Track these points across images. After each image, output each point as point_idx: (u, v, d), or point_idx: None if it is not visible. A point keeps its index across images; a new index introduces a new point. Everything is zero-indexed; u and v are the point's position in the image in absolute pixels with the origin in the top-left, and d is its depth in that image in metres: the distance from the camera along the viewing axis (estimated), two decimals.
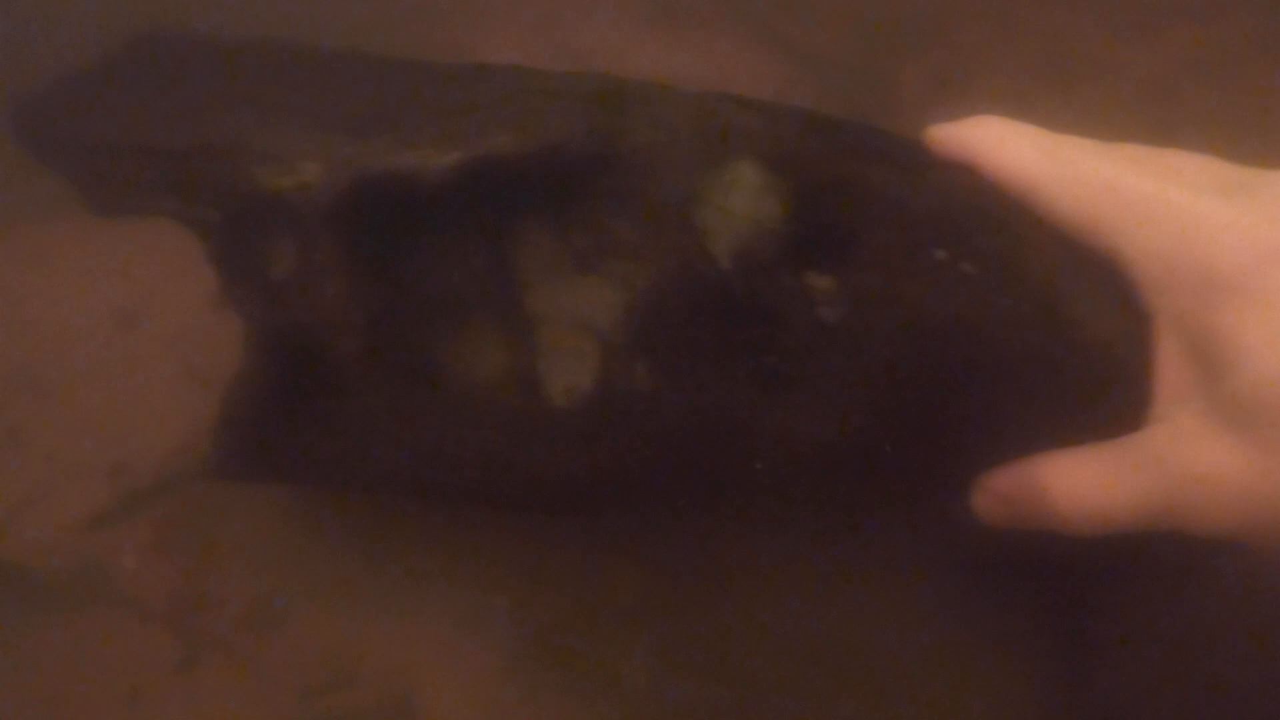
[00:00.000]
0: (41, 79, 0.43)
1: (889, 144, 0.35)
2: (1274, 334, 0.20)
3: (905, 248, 0.31)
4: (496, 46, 0.72)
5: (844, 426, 0.33)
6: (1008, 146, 0.27)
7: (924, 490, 0.35)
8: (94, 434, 0.59)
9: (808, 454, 0.35)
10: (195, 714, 0.48)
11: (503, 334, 0.37)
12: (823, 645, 0.45)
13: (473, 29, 0.74)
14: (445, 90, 0.39)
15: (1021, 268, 0.28)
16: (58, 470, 0.58)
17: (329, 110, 0.38)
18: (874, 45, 0.65)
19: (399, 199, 0.35)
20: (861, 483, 0.38)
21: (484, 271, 0.38)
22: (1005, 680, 0.42)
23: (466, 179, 0.34)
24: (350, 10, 0.69)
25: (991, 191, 0.29)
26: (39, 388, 0.62)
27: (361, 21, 0.68)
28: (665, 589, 0.47)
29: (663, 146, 0.35)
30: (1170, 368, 0.24)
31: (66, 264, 0.68)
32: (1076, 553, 0.33)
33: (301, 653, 0.49)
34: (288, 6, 0.54)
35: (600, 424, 0.36)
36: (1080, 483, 0.24)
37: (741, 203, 0.33)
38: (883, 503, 0.41)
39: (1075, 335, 0.28)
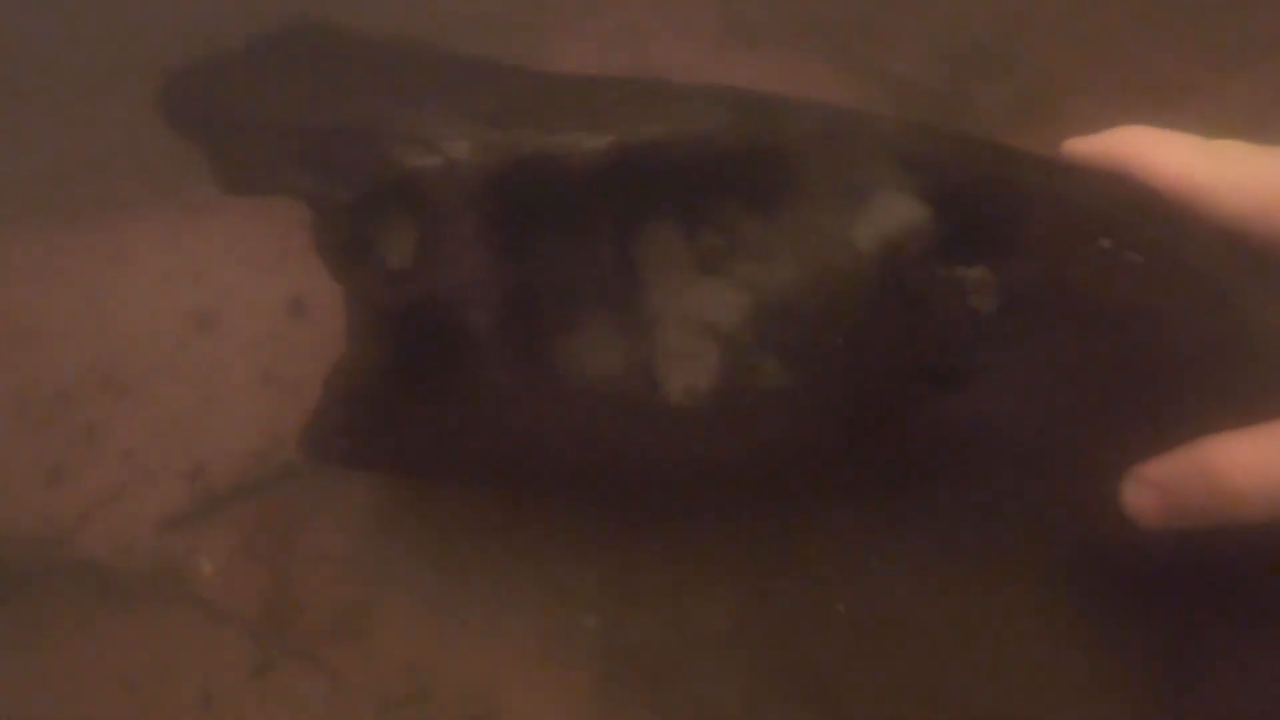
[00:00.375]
0: (194, 58, 0.44)
1: (1022, 151, 0.34)
2: None
3: (1068, 237, 0.31)
4: (571, 59, 0.72)
5: (1004, 415, 0.33)
6: (1163, 151, 0.27)
7: (1081, 485, 0.34)
8: (171, 435, 0.59)
9: (961, 445, 0.35)
10: None
11: (623, 330, 0.37)
12: (925, 673, 0.43)
13: (547, 42, 0.74)
14: (575, 92, 0.39)
15: (1187, 258, 0.28)
16: (135, 470, 0.58)
17: (465, 102, 0.38)
18: (953, 68, 0.65)
19: (544, 182, 0.36)
20: (1016, 476, 0.37)
21: (610, 266, 0.38)
22: (1102, 694, 0.40)
23: (615, 165, 0.35)
24: (428, 19, 0.70)
25: (1146, 190, 0.29)
26: (117, 386, 0.61)
27: (438, 30, 0.68)
28: (761, 611, 0.45)
29: (808, 144, 0.35)
30: None
31: (146, 263, 0.68)
32: (1188, 570, 0.32)
33: (381, 664, 0.48)
34: (367, 12, 0.54)
35: (721, 422, 0.35)
36: (1257, 456, 0.23)
37: (886, 202, 0.33)
38: (1033, 500, 0.40)
39: (1246, 323, 0.27)
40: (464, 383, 0.37)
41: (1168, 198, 0.29)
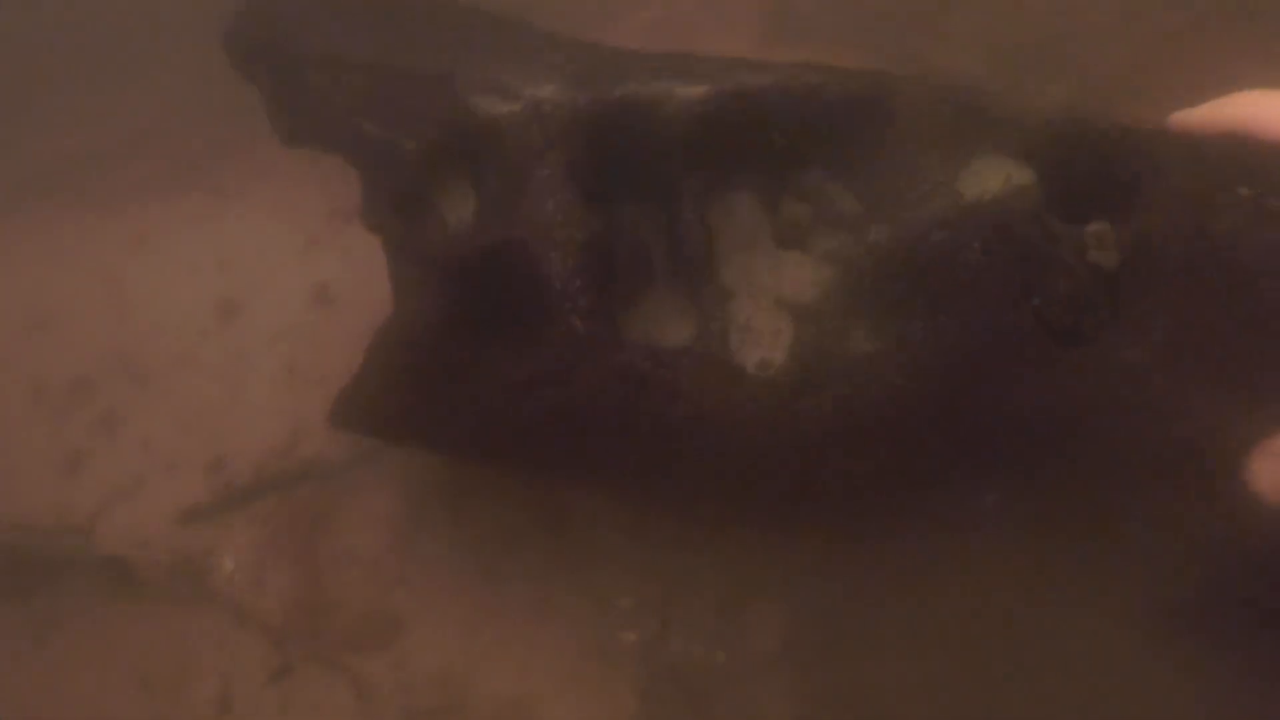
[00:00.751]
0: None
1: (1135, 119, 0.34)
2: None
3: (1204, 188, 0.30)
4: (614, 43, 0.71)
5: (1134, 371, 0.31)
6: None
7: (1217, 454, 0.32)
8: (192, 426, 0.57)
9: (1084, 403, 0.33)
10: None
11: (695, 300, 0.35)
12: (987, 701, 0.41)
13: (590, 33, 0.72)
14: (653, 59, 0.37)
15: None
16: (154, 460, 0.56)
17: (541, 60, 0.36)
18: (1006, 66, 0.63)
19: (630, 133, 0.35)
20: (1145, 437, 0.35)
21: (689, 235, 0.37)
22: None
23: (708, 118, 0.34)
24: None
25: (1273, 145, 0.28)
26: (137, 373, 0.59)
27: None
28: (810, 632, 0.43)
29: (915, 102, 0.34)
30: None
31: (170, 250, 0.66)
32: None
33: (409, 672, 0.45)
34: None
35: (803, 388, 0.33)
36: None
37: (993, 160, 0.31)
38: (1148, 479, 0.38)
39: None
40: (532, 331, 0.36)
41: None
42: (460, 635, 0.44)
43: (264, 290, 0.64)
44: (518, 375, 0.39)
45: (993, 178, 0.34)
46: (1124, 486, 0.39)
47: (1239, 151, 0.30)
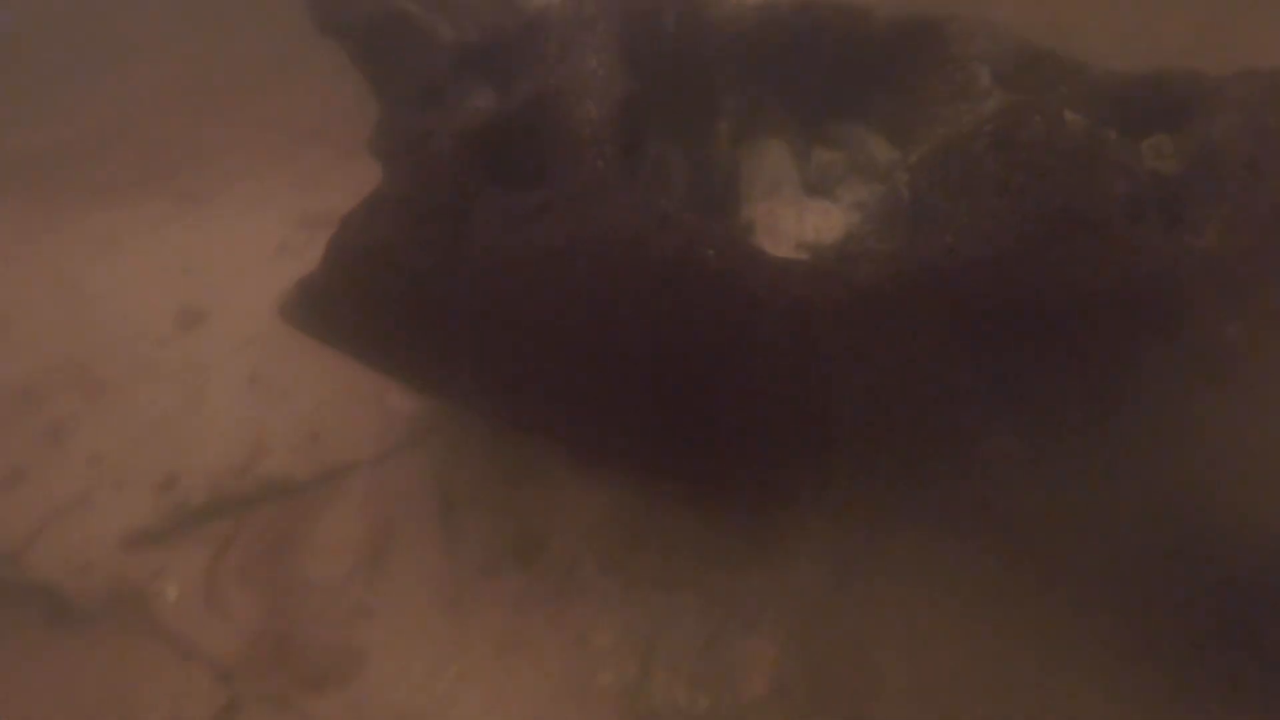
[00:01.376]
0: None
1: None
2: None
3: (1263, 94, 0.35)
4: None
5: (1194, 253, 0.35)
6: None
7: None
8: (145, 440, 0.53)
9: (1141, 287, 0.36)
10: None
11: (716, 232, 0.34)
12: None
13: None
14: None
15: None
16: (101, 477, 0.52)
17: None
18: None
19: (680, 30, 0.36)
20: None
21: (716, 165, 0.39)
22: None
23: (759, 29, 0.36)
24: None
25: None
26: (89, 383, 0.56)
27: None
28: (802, 674, 0.39)
29: (966, 29, 0.39)
30: None
31: (132, 254, 0.63)
32: None
33: (368, 714, 0.42)
34: None
35: (814, 278, 0.32)
36: None
37: (1049, 80, 0.35)
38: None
39: None
40: (548, 177, 0.36)
41: None
42: (425, 672, 0.40)
43: (230, 298, 0.61)
44: (529, 204, 0.41)
45: (1051, 95, 0.41)
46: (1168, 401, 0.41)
47: None
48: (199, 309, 0.59)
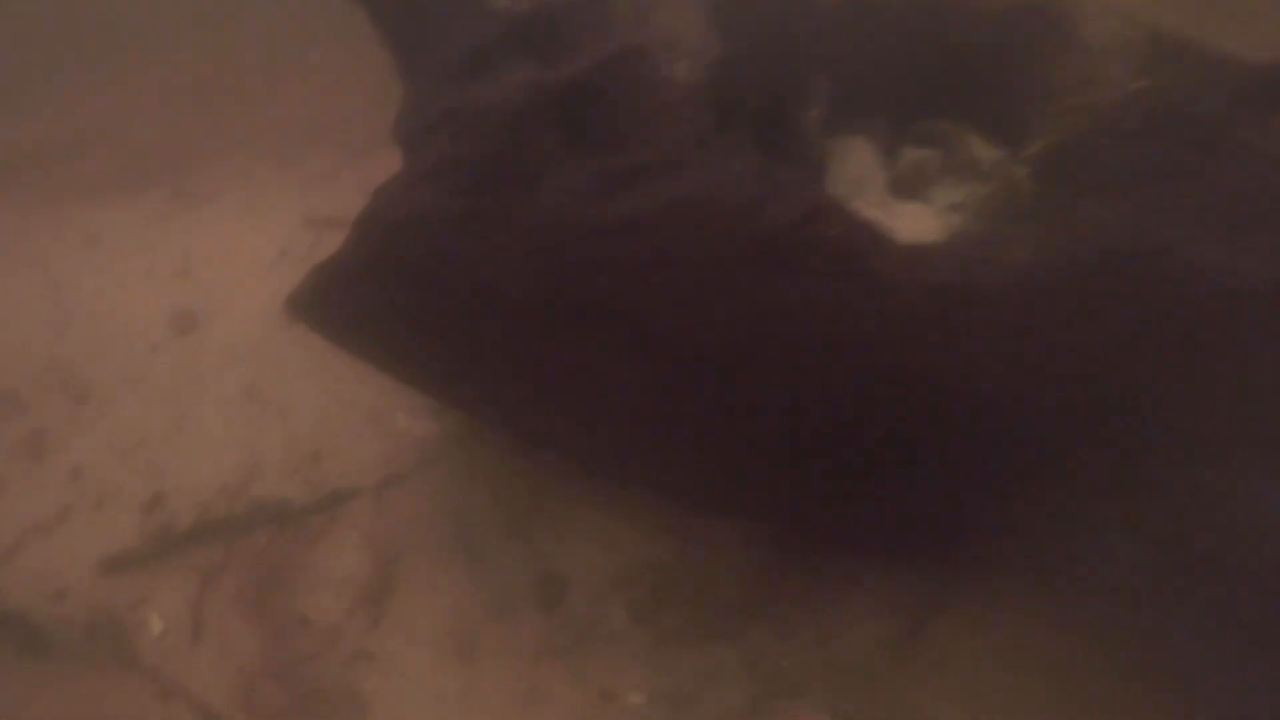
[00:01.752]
0: None
1: None
2: None
3: None
4: None
5: None
6: None
7: None
8: (131, 455, 0.49)
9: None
10: None
11: None
12: None
13: None
14: None
15: None
16: (82, 494, 0.48)
17: None
18: None
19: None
20: None
21: (799, 154, 0.36)
22: None
23: (847, 25, 0.33)
24: None
25: None
26: (74, 391, 0.52)
27: None
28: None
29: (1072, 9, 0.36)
30: None
31: (124, 253, 0.59)
32: None
33: None
34: None
35: (919, 265, 0.32)
36: None
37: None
38: None
39: None
40: (629, 139, 0.33)
41: None
42: (422, 708, 0.37)
43: (227, 304, 0.57)
44: (619, 167, 0.36)
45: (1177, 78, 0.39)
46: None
47: None
48: (193, 314, 0.56)
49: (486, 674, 0.40)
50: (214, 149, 0.71)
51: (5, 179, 0.63)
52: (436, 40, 0.38)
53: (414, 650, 0.41)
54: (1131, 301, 0.38)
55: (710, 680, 0.38)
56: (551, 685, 0.39)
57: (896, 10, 0.33)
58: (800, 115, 0.34)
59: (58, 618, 0.43)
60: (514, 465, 0.56)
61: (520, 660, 0.40)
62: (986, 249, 0.34)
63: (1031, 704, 0.37)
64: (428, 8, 0.38)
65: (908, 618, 0.39)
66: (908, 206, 0.34)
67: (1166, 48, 0.37)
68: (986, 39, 0.33)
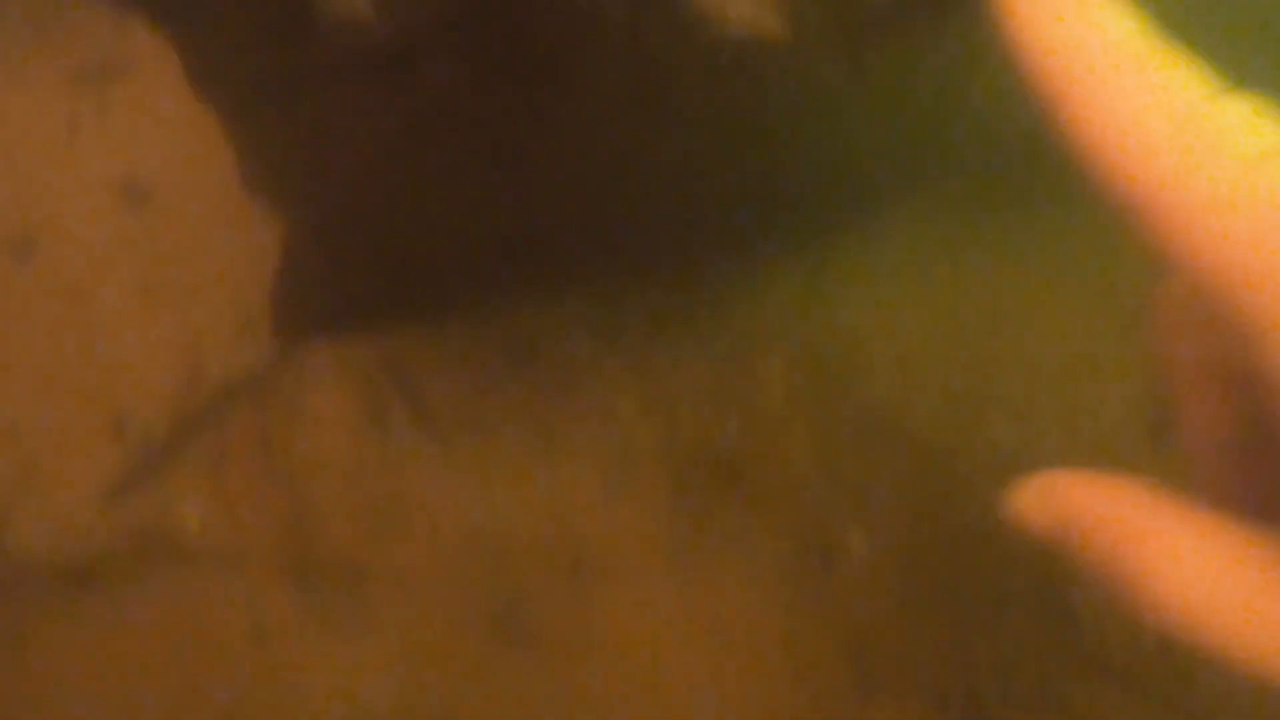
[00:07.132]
0: None
1: None
2: None
3: None
4: None
5: None
6: None
7: None
8: (60, 383, 0.48)
9: None
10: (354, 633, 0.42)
11: None
12: None
13: None
14: None
15: None
16: (37, 444, 0.47)
17: None
18: None
19: None
20: None
21: None
22: None
23: None
24: None
25: None
26: (18, 262, 0.48)
27: None
28: (815, 378, 0.44)
29: None
30: None
31: (57, 121, 0.51)
32: None
33: (440, 542, 0.43)
34: None
35: None
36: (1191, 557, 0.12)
37: None
38: None
39: None
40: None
41: None
42: (474, 487, 0.42)
43: (181, 170, 0.53)
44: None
45: None
46: None
47: None
48: (145, 184, 0.50)
49: (500, 439, 0.45)
50: None
51: None
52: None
53: (428, 440, 0.44)
54: None
55: (678, 364, 0.45)
56: (559, 426, 0.44)
57: None
58: None
59: (90, 552, 0.45)
60: None
61: (523, 421, 0.45)
62: None
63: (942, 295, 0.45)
64: None
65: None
66: None
67: None
68: None
